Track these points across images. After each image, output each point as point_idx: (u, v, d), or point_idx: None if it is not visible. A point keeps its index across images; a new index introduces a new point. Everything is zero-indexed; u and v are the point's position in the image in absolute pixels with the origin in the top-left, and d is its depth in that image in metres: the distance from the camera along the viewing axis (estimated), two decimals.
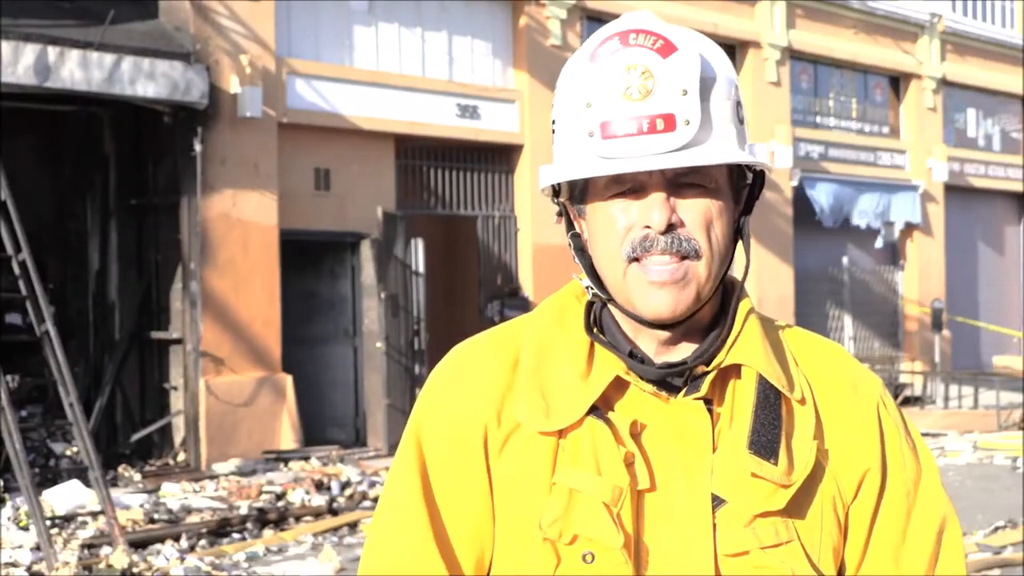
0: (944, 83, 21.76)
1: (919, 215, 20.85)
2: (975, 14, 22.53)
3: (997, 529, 9.29)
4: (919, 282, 21.14)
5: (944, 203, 21.67)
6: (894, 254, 21.23)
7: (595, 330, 1.58)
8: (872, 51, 20.46)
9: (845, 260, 20.09)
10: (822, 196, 19.36)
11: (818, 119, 20.05)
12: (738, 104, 1.54)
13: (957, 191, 22.22)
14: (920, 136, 21.32)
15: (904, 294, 21.17)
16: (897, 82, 21.46)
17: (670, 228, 1.49)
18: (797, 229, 19.11)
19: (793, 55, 19.22)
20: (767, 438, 1.51)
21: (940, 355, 20.64)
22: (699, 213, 1.50)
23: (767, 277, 18.53)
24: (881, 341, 20.89)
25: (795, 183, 18.89)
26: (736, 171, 1.56)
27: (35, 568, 8.41)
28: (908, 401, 19.11)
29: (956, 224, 22.19)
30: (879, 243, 20.54)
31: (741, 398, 1.54)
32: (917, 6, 21.03)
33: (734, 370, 1.55)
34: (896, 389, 19.19)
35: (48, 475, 11.23)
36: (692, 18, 16.97)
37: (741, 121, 1.54)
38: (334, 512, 10.36)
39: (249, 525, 9.80)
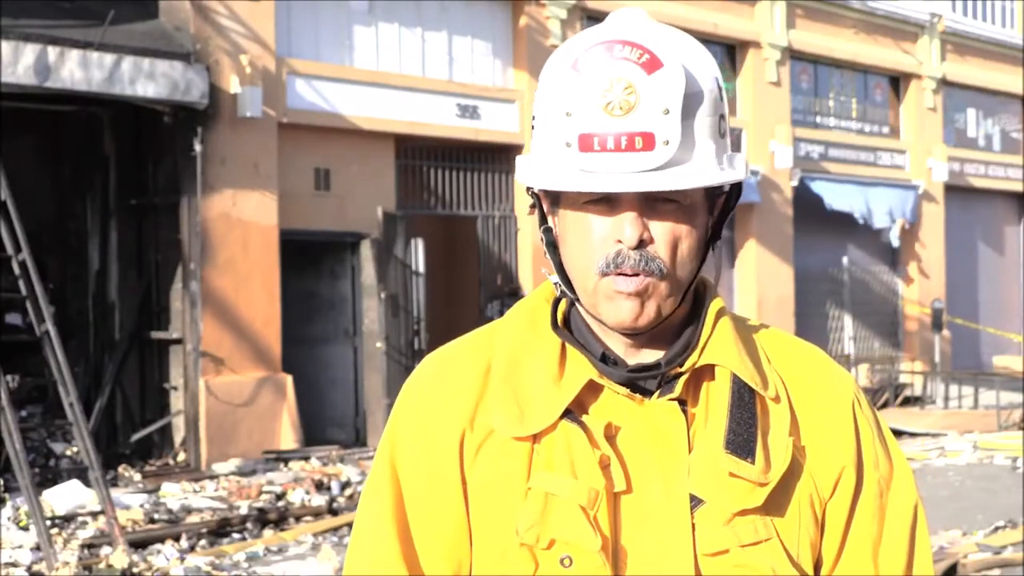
0: (944, 83, 21.76)
1: (913, 214, 20.84)
2: (975, 14, 22.53)
3: (997, 529, 9.28)
4: (919, 282, 21.14)
5: (944, 203, 21.67)
6: (894, 254, 21.23)
7: (565, 330, 1.58)
8: (872, 51, 20.46)
9: (845, 260, 20.09)
10: (834, 195, 19.38)
11: (818, 119, 20.05)
12: (721, 117, 1.52)
13: (957, 191, 22.22)
14: (920, 136, 21.32)
15: (904, 294, 21.17)
16: (897, 82, 21.46)
17: (641, 244, 1.49)
18: (797, 229, 19.11)
19: (793, 55, 19.22)
20: (743, 437, 1.51)
21: (940, 355, 20.64)
22: (669, 231, 1.50)
23: (767, 277, 18.53)
24: (881, 341, 20.90)
25: (795, 183, 18.89)
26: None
27: (35, 568, 8.42)
28: (908, 401, 19.11)
29: (956, 224, 22.19)
30: (893, 239, 20.51)
31: (715, 398, 1.54)
32: (917, 6, 21.03)
33: (707, 370, 1.55)
34: (896, 389, 19.19)
35: (48, 475, 11.24)
36: (692, 18, 16.96)
37: (723, 135, 1.53)
38: (334, 512, 10.36)
39: (249, 525, 9.80)
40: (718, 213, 1.58)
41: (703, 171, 1.49)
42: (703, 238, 1.55)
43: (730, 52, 18.56)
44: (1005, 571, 8.00)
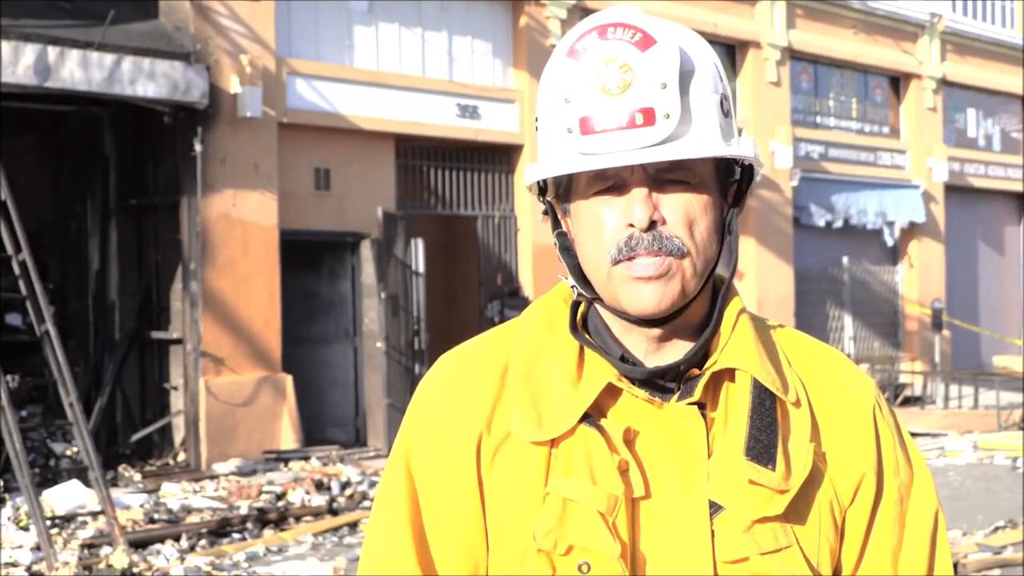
0: (944, 83, 21.76)
1: (923, 213, 20.83)
2: (975, 14, 22.53)
3: (997, 529, 9.29)
4: (919, 282, 21.14)
5: (944, 203, 21.67)
6: (894, 254, 21.23)
7: (583, 333, 1.55)
8: (872, 51, 20.46)
9: (845, 260, 20.09)
10: (834, 195, 19.42)
11: (818, 119, 20.04)
12: (724, 97, 1.51)
13: (957, 191, 22.22)
14: (920, 136, 21.32)
15: (904, 294, 21.17)
16: (897, 82, 21.46)
17: (652, 225, 1.46)
18: (797, 229, 19.11)
19: (793, 55, 19.22)
20: (764, 443, 1.48)
21: (940, 355, 20.64)
22: (681, 210, 1.48)
23: (767, 277, 18.53)
24: (881, 341, 20.89)
25: (795, 183, 18.89)
26: (723, 166, 1.54)
27: (35, 568, 8.41)
28: (908, 401, 19.11)
29: (956, 224, 22.19)
30: (889, 241, 20.53)
31: (735, 402, 1.51)
32: (917, 6, 21.02)
33: (727, 374, 1.53)
34: (896, 389, 19.19)
35: (48, 475, 11.24)
36: (692, 18, 16.96)
37: (727, 114, 1.51)
38: (334, 512, 10.36)
39: (249, 525, 9.80)
40: (731, 201, 1.56)
41: (707, 143, 1.47)
42: (718, 223, 1.53)
43: (730, 52, 18.55)
44: (1005, 571, 8.00)
